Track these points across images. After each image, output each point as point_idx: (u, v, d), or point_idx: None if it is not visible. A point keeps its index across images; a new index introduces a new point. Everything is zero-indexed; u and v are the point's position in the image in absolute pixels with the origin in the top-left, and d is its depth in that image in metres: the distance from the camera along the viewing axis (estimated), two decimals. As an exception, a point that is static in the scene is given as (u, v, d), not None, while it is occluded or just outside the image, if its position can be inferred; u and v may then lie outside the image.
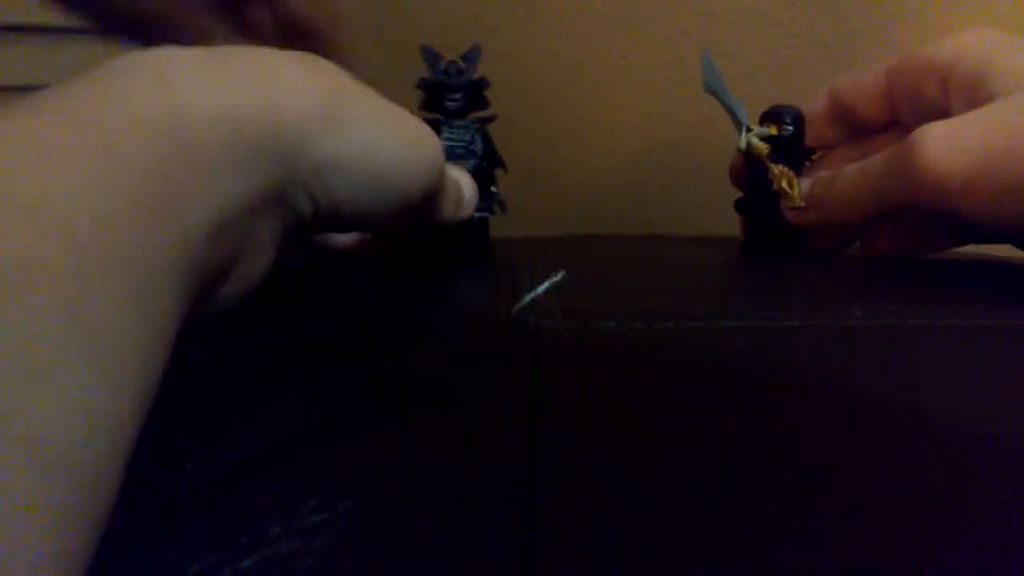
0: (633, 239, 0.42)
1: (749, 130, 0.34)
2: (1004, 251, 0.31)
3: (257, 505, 0.16)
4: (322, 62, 0.22)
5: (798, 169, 0.34)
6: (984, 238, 0.31)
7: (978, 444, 0.17)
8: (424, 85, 0.33)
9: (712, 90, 0.35)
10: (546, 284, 0.23)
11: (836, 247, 0.34)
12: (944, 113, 0.29)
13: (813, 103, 0.35)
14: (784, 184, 0.33)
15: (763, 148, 0.34)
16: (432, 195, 0.24)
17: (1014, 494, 0.16)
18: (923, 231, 0.32)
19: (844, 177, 0.31)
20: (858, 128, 0.35)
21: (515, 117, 0.54)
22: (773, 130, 0.33)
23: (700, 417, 0.18)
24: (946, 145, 0.26)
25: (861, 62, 0.50)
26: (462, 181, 0.29)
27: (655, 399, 0.19)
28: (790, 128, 0.33)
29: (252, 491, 0.16)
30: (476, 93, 0.33)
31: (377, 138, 0.22)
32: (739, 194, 0.36)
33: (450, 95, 0.32)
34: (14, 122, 0.14)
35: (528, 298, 0.23)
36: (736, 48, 0.50)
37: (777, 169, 0.33)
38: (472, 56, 0.33)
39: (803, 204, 0.32)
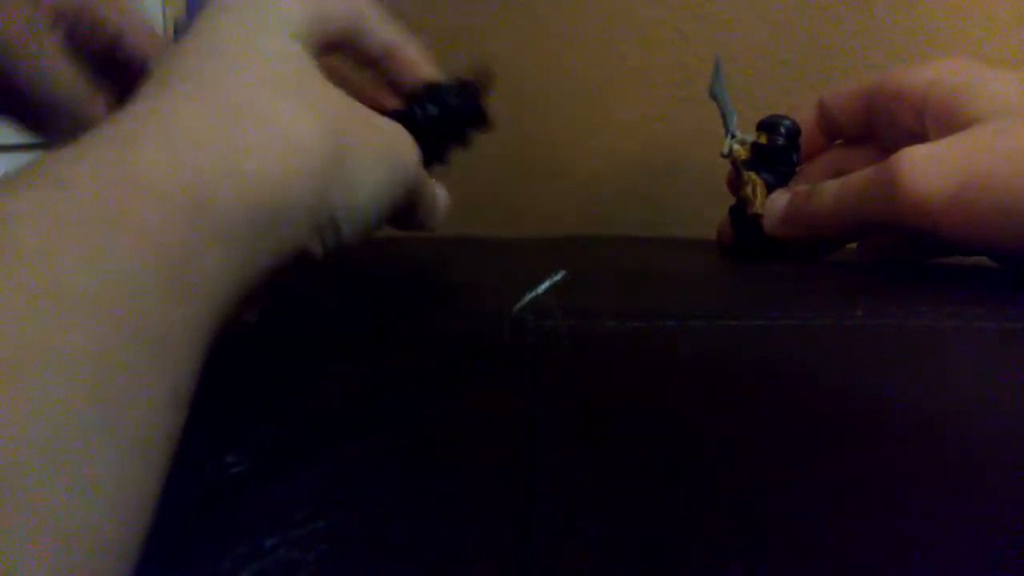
0: (633, 240, 0.43)
1: (734, 137, 0.35)
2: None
3: (255, 515, 0.16)
4: (317, 86, 0.21)
5: (783, 182, 0.34)
6: (966, 252, 0.31)
7: (978, 444, 0.17)
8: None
9: (714, 95, 0.36)
10: (546, 284, 0.23)
11: (812, 256, 0.35)
12: (920, 139, 0.29)
13: (803, 112, 0.35)
14: (748, 191, 0.34)
15: (742, 154, 0.34)
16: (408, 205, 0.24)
17: (1014, 493, 0.16)
18: (911, 241, 0.32)
19: (823, 193, 0.31)
20: (840, 137, 0.35)
21: (515, 119, 0.54)
22: (762, 139, 0.34)
23: (700, 417, 0.18)
24: (927, 168, 0.26)
25: (859, 66, 0.50)
26: (439, 193, 0.27)
27: (654, 398, 0.19)
28: (781, 140, 0.33)
29: (250, 501, 0.16)
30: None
31: (378, 173, 0.21)
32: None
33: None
34: (27, 198, 0.14)
35: (528, 298, 0.23)
36: (735, 51, 0.50)
37: (746, 176, 0.34)
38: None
39: (761, 212, 0.33)
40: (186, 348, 0.15)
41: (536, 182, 0.55)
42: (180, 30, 0.30)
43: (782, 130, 0.34)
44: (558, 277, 0.23)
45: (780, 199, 0.33)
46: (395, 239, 0.40)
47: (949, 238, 0.27)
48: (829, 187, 0.31)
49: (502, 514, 0.16)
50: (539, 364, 0.20)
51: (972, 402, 0.19)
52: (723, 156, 0.35)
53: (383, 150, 0.22)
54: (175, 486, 0.16)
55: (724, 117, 0.35)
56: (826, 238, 0.33)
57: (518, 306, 0.22)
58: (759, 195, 0.34)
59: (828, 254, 0.34)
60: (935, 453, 0.17)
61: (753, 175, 0.34)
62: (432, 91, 0.27)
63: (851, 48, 0.50)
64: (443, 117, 0.27)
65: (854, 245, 0.35)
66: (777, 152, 0.34)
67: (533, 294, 0.22)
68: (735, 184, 0.35)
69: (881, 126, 0.32)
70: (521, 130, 0.54)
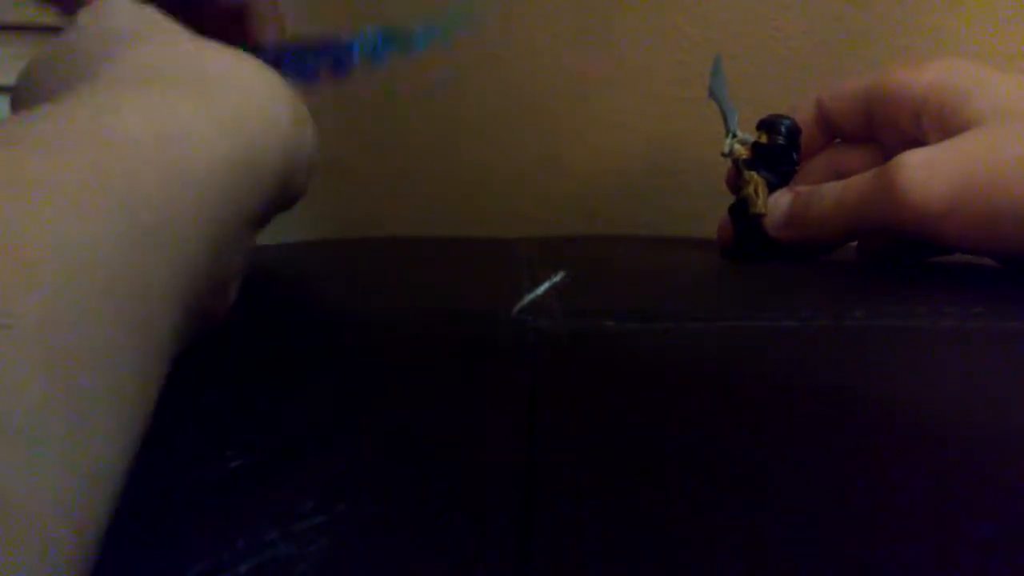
0: (633, 240, 0.43)
1: (735, 136, 0.35)
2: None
3: (255, 509, 0.16)
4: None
5: (784, 181, 0.34)
6: (967, 252, 0.31)
7: (978, 444, 0.17)
8: None
9: (714, 94, 0.36)
10: (546, 285, 0.23)
11: (812, 255, 0.35)
12: (919, 142, 0.29)
13: (802, 111, 0.35)
14: (751, 190, 0.34)
15: (742, 154, 0.34)
16: None
17: (1015, 493, 0.16)
18: (911, 242, 0.32)
19: (824, 198, 0.31)
20: (839, 137, 0.35)
21: (514, 119, 0.54)
22: (763, 138, 0.34)
23: (699, 417, 0.18)
24: (925, 174, 0.26)
25: (860, 65, 0.50)
26: None
27: (654, 400, 0.19)
28: (781, 139, 0.34)
29: (250, 496, 0.16)
30: None
31: (315, 141, 0.23)
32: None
33: None
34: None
35: (528, 299, 0.23)
36: (734, 50, 0.50)
37: (748, 175, 0.34)
38: None
39: (764, 211, 0.33)
40: (159, 315, 0.14)
41: (535, 182, 0.55)
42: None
43: (782, 129, 0.34)
44: (557, 278, 0.23)
45: (782, 201, 0.33)
46: (395, 239, 0.40)
47: (949, 242, 0.27)
48: (830, 191, 0.31)
49: (502, 514, 0.16)
50: (538, 365, 0.20)
51: (973, 402, 0.19)
52: (724, 155, 0.35)
53: (312, 123, 0.24)
54: (175, 480, 0.16)
55: (724, 116, 0.36)
56: (827, 240, 0.33)
57: (517, 307, 0.22)
58: (761, 195, 0.34)
59: (828, 252, 0.34)
60: (936, 454, 0.17)
61: (755, 175, 0.34)
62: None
63: (852, 46, 0.50)
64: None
65: (854, 243, 0.35)
66: (778, 152, 0.34)
67: (532, 295, 0.23)
68: (735, 183, 0.35)
69: (879, 127, 0.32)
70: (519, 130, 0.54)
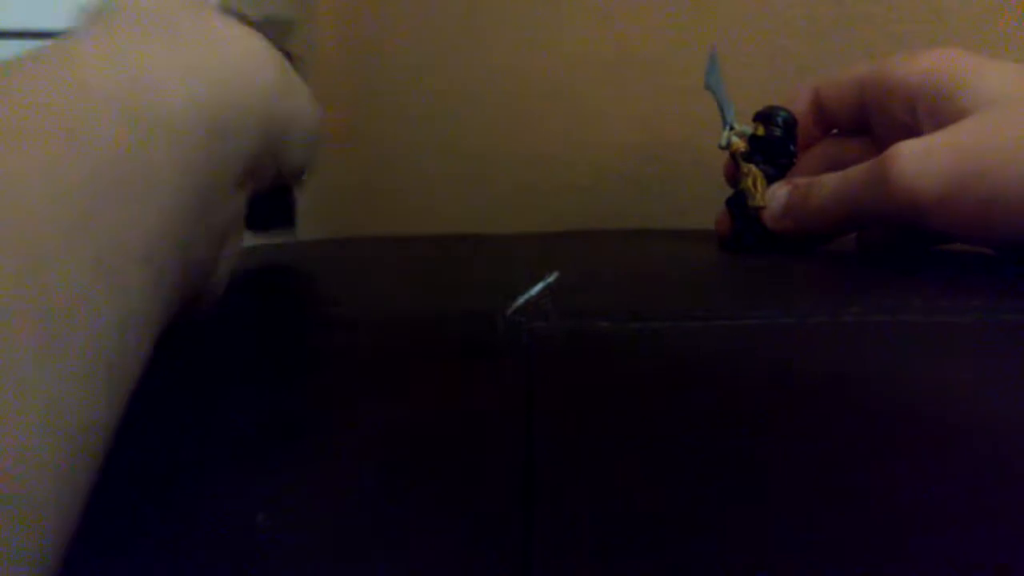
0: (629, 233, 0.43)
1: (732, 128, 0.35)
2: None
3: (253, 509, 0.16)
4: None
5: (781, 173, 0.34)
6: (963, 242, 0.31)
7: (976, 439, 0.17)
8: None
9: (711, 87, 0.36)
10: (540, 285, 0.23)
11: (811, 246, 0.35)
12: (914, 131, 0.29)
13: (798, 102, 0.35)
14: (749, 183, 0.34)
15: (740, 146, 0.34)
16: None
17: (1012, 489, 0.16)
18: (909, 232, 0.32)
19: (821, 189, 0.31)
20: (835, 128, 0.35)
21: (511, 112, 0.54)
22: (759, 131, 0.34)
23: (696, 417, 0.18)
24: (920, 164, 0.26)
25: (860, 51, 0.49)
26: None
27: (650, 399, 0.19)
28: (778, 131, 0.34)
29: (248, 495, 0.16)
30: None
31: (311, 116, 0.23)
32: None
33: None
34: None
35: (522, 300, 0.23)
36: (734, 38, 0.50)
37: (746, 168, 0.34)
38: None
39: (763, 204, 0.33)
40: (139, 256, 0.14)
41: (533, 176, 0.55)
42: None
43: (779, 121, 0.34)
44: (551, 279, 0.23)
45: (780, 193, 0.33)
46: (392, 238, 0.41)
47: (944, 231, 0.27)
48: (827, 182, 0.31)
49: (501, 516, 0.16)
50: (534, 366, 0.20)
51: (970, 397, 0.19)
52: (721, 148, 0.35)
53: (310, 96, 0.24)
54: (174, 478, 0.16)
55: (721, 108, 0.36)
56: (825, 231, 0.33)
57: (512, 308, 0.22)
58: (760, 187, 0.34)
59: (826, 243, 0.34)
60: (935, 448, 0.17)
61: (753, 167, 0.34)
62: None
63: (851, 36, 0.49)
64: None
65: (853, 234, 0.35)
66: (775, 144, 0.34)
67: (526, 296, 0.23)
68: (733, 176, 0.35)
69: (874, 116, 0.32)
70: (516, 123, 0.54)
